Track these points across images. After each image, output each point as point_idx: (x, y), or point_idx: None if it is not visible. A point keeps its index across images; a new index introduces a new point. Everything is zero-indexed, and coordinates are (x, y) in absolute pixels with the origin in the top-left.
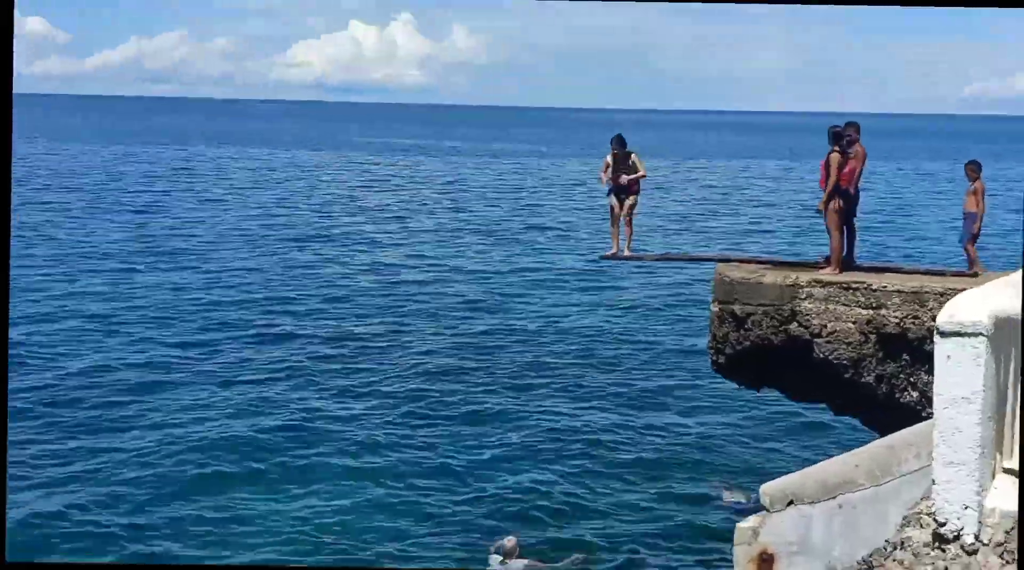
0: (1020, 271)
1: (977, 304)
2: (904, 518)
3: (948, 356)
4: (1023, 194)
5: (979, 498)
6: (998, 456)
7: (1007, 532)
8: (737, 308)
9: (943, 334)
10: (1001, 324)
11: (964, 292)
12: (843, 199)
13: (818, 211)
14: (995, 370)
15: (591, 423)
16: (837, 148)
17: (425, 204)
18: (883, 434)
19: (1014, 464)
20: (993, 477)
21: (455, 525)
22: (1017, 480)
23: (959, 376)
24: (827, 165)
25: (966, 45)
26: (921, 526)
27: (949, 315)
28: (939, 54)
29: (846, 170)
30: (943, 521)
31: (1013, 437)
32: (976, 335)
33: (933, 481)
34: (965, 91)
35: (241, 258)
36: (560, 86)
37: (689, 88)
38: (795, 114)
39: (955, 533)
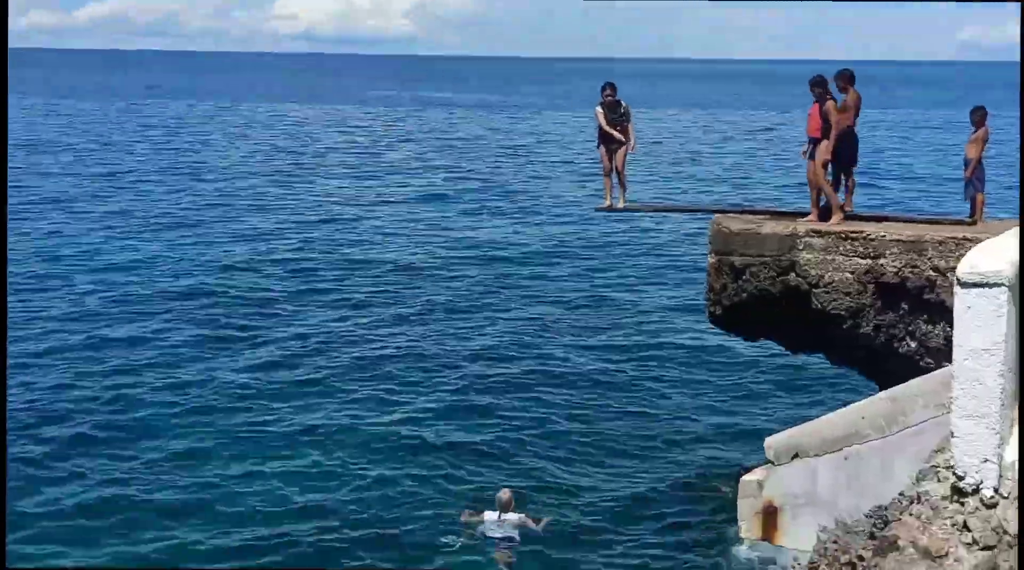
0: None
1: (998, 254)
2: (920, 472)
3: (969, 307)
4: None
5: (999, 451)
6: (1017, 408)
7: None
8: (735, 259)
9: (964, 285)
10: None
11: (983, 242)
12: (837, 149)
13: (826, 164)
14: (1016, 321)
15: (586, 376)
16: (830, 96)
17: (417, 156)
18: (881, 384)
19: None
20: (1012, 430)
21: (446, 489)
22: None
23: (980, 327)
24: (822, 114)
25: None
26: (939, 480)
27: (970, 265)
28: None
29: (840, 117)
30: (962, 474)
31: None
32: (998, 285)
33: (952, 434)
34: (958, 36)
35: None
36: (558, 36)
37: (688, 36)
38: (790, 61)
39: (974, 486)
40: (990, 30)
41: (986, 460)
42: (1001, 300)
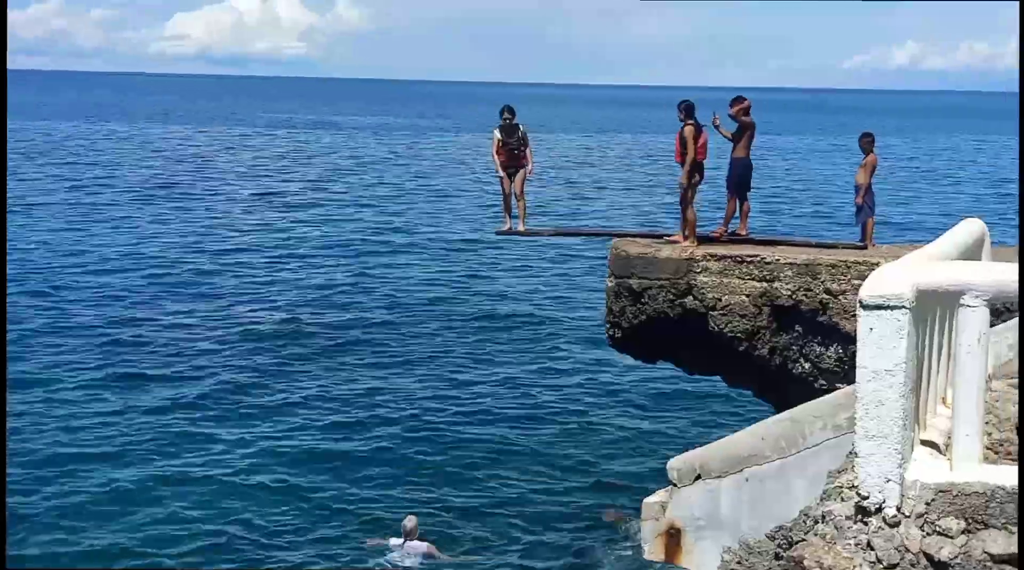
0: (945, 241)
1: (899, 277)
2: (824, 492)
3: (871, 329)
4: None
5: (900, 470)
6: (917, 428)
7: (927, 503)
8: (634, 282)
9: (866, 306)
10: (923, 296)
11: (885, 265)
12: (699, 172)
13: (686, 187)
14: (916, 342)
15: (491, 402)
16: (692, 122)
17: (309, 180)
18: (777, 405)
19: (931, 437)
20: (913, 449)
21: (352, 511)
22: (956, 456)
23: (882, 349)
24: (681, 139)
25: (844, 19)
26: (843, 499)
27: (872, 288)
28: (817, 27)
29: (700, 143)
30: (866, 494)
31: (933, 409)
32: (899, 307)
33: (855, 454)
34: (845, 64)
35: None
36: (450, 58)
37: (580, 61)
38: (677, 88)
39: (877, 506)
40: (875, 59)
41: (888, 480)
42: (902, 322)
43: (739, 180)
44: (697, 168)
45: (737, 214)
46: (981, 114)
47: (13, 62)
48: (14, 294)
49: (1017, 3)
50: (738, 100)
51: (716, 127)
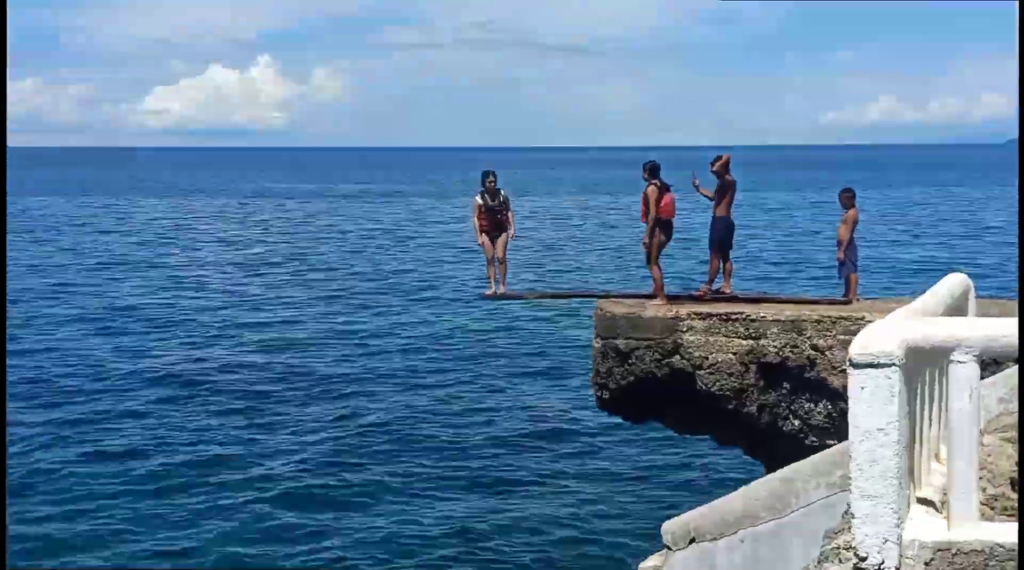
0: (931, 297)
1: (888, 334)
2: (821, 553)
3: (862, 387)
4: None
5: (898, 530)
6: (912, 486)
7: (926, 563)
8: (620, 343)
9: (856, 366)
10: (912, 353)
11: (874, 322)
12: (664, 231)
13: (651, 246)
14: (908, 399)
15: (472, 467)
16: (655, 182)
17: (293, 248)
18: (768, 463)
19: (926, 494)
20: (909, 508)
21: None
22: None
23: (874, 407)
24: (645, 199)
25: (816, 79)
26: (840, 561)
27: (862, 346)
28: (788, 87)
29: (664, 202)
30: (864, 555)
31: (928, 466)
32: (889, 365)
33: (852, 514)
34: (820, 121)
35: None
36: (425, 126)
37: (553, 125)
38: (658, 148)
39: (876, 566)
40: (850, 115)
41: (886, 540)
42: (893, 380)
43: (721, 239)
44: (663, 227)
45: (721, 272)
46: (956, 166)
47: None
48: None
49: (1016, 3)
50: (718, 158)
51: (696, 187)
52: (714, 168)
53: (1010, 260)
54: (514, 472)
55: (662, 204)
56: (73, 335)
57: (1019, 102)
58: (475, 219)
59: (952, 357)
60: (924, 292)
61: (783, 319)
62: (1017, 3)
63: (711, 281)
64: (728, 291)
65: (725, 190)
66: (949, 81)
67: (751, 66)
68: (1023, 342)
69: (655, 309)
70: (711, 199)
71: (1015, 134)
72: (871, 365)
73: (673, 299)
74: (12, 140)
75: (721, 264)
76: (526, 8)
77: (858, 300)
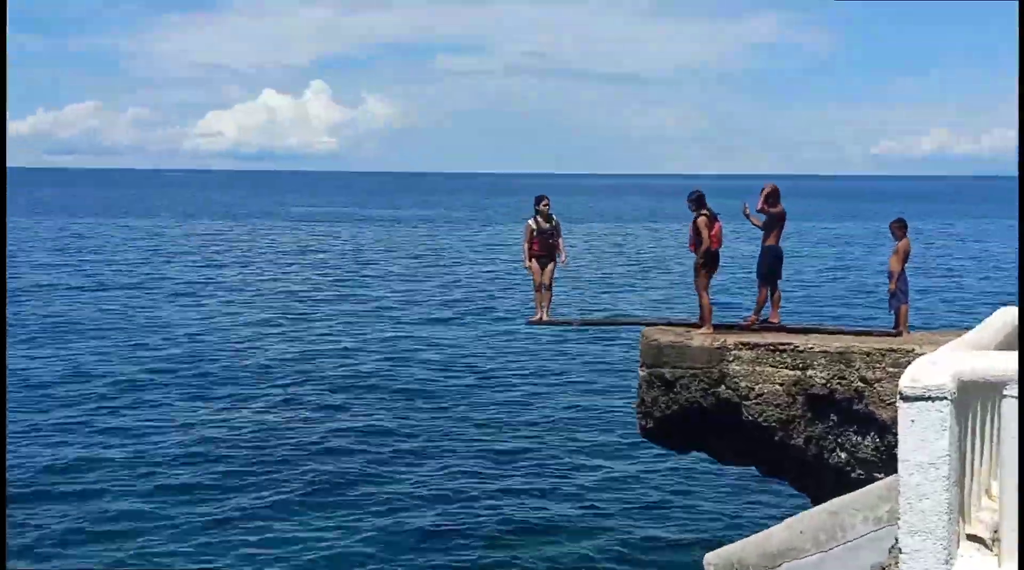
0: (983, 331)
1: (940, 367)
2: None
3: (912, 421)
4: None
5: (947, 567)
6: (962, 522)
7: None
8: (666, 371)
9: (907, 399)
10: (964, 387)
11: (925, 355)
12: (712, 261)
13: (702, 274)
14: (959, 434)
15: (519, 493)
16: (705, 212)
17: (341, 274)
18: (813, 496)
19: (976, 530)
20: (959, 544)
21: None
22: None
23: (924, 441)
24: (695, 229)
25: (870, 108)
26: None
27: (912, 379)
28: (843, 117)
29: (713, 232)
30: None
31: (978, 503)
32: (940, 399)
33: (900, 550)
34: (872, 151)
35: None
36: (474, 152)
37: (603, 152)
38: (709, 177)
39: None
40: (903, 146)
41: None
42: (944, 413)
43: (769, 268)
44: (711, 257)
45: (769, 302)
46: (1010, 198)
47: (49, 162)
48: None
49: (1016, 3)
50: (764, 189)
51: (747, 216)
52: (760, 200)
53: None
54: (555, 500)
55: (712, 233)
56: (104, 347)
57: (1019, 107)
58: (525, 243)
59: (1005, 392)
60: (976, 326)
61: (831, 350)
62: (1016, 4)
63: (758, 310)
64: (776, 320)
65: (773, 220)
66: (1004, 112)
67: (799, 97)
68: (1023, 354)
69: (701, 338)
70: (761, 228)
71: None
72: (922, 398)
73: (720, 328)
74: (68, 161)
75: (769, 294)
76: (579, 38)
77: (908, 332)
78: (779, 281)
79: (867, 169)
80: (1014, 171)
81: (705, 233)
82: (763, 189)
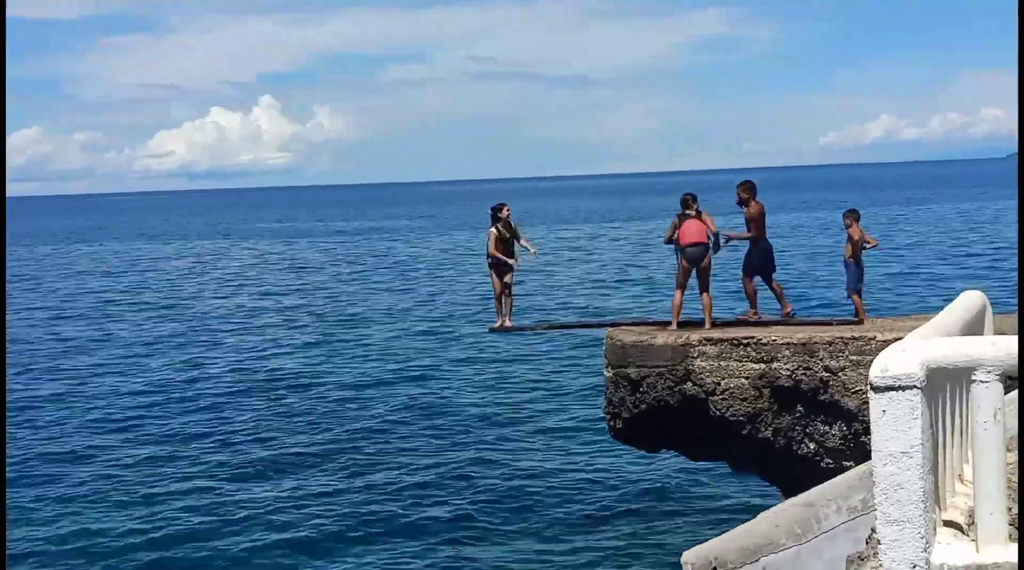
0: (948, 315)
1: (909, 355)
2: None
3: (884, 411)
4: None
5: (926, 554)
6: (938, 509)
7: None
8: (631, 371)
9: (877, 389)
10: (933, 374)
11: (893, 343)
12: (687, 259)
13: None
14: (930, 422)
15: (490, 499)
16: (691, 211)
17: (298, 286)
18: (784, 488)
19: (952, 517)
20: (936, 531)
21: None
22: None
23: (896, 431)
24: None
25: (815, 98)
26: None
27: (882, 369)
28: (789, 107)
29: (681, 230)
30: None
31: (952, 488)
32: (911, 387)
33: (878, 540)
34: (820, 142)
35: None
36: (428, 161)
37: (560, 155)
38: (653, 174)
39: None
40: (851, 134)
41: (915, 566)
42: (915, 402)
43: (758, 264)
44: (684, 253)
45: (775, 296)
46: (961, 182)
47: None
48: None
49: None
50: (739, 186)
51: (729, 239)
52: (742, 195)
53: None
54: (528, 504)
55: (680, 231)
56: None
57: (1019, 105)
58: (492, 249)
59: (974, 377)
60: (941, 309)
61: (795, 341)
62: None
63: (754, 304)
64: (789, 309)
65: (751, 217)
66: (949, 97)
67: (751, 90)
68: (1023, 352)
69: (667, 336)
70: (747, 239)
71: (1015, 148)
72: (892, 388)
73: (681, 325)
74: (18, 189)
75: (769, 286)
76: (528, 42)
77: (869, 320)
78: (774, 273)
79: (816, 160)
80: (963, 154)
81: (671, 231)
82: (739, 186)
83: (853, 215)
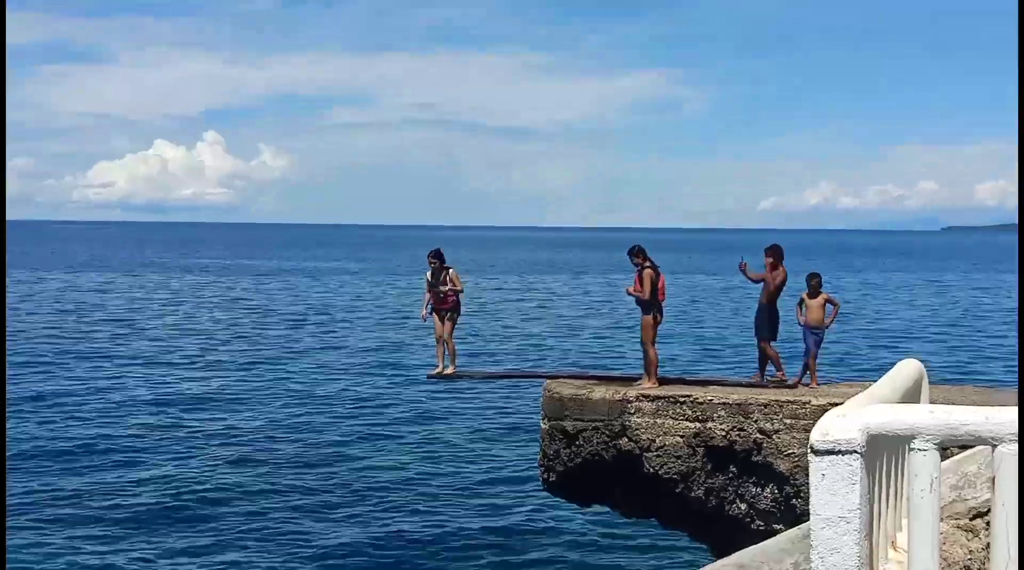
0: (887, 383)
1: (849, 421)
2: None
3: (823, 475)
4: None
5: None
6: None
7: None
8: (568, 424)
9: (818, 452)
10: (872, 440)
11: (833, 408)
12: (661, 314)
13: (651, 327)
14: (869, 487)
15: (418, 549)
16: (649, 264)
17: (233, 326)
18: (713, 548)
19: None
20: None
21: None
22: None
23: (835, 495)
24: (643, 281)
25: (755, 164)
26: None
27: (822, 433)
28: (727, 170)
29: (660, 284)
30: None
31: (884, 554)
32: (851, 452)
33: None
34: (760, 206)
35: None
36: (370, 204)
37: (492, 205)
38: (589, 229)
39: None
40: (790, 199)
41: None
42: (855, 467)
43: (761, 326)
44: (659, 308)
45: (770, 360)
46: (894, 252)
47: None
48: None
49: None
50: (772, 249)
51: (743, 270)
52: (769, 260)
53: (955, 350)
54: (458, 556)
55: (660, 285)
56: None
57: (1018, 128)
58: (425, 295)
59: (913, 445)
60: (879, 377)
61: (730, 402)
62: (1016, 6)
63: (763, 367)
64: (783, 378)
65: (771, 277)
66: (887, 168)
67: (685, 151)
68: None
69: (605, 391)
70: (755, 281)
71: (951, 222)
72: (833, 452)
73: (619, 380)
74: None
75: (766, 351)
76: (469, 92)
77: (816, 385)
78: (772, 340)
79: (756, 223)
80: (897, 225)
81: (649, 285)
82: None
83: (817, 280)
